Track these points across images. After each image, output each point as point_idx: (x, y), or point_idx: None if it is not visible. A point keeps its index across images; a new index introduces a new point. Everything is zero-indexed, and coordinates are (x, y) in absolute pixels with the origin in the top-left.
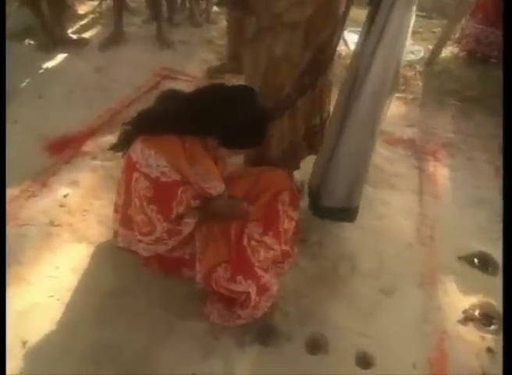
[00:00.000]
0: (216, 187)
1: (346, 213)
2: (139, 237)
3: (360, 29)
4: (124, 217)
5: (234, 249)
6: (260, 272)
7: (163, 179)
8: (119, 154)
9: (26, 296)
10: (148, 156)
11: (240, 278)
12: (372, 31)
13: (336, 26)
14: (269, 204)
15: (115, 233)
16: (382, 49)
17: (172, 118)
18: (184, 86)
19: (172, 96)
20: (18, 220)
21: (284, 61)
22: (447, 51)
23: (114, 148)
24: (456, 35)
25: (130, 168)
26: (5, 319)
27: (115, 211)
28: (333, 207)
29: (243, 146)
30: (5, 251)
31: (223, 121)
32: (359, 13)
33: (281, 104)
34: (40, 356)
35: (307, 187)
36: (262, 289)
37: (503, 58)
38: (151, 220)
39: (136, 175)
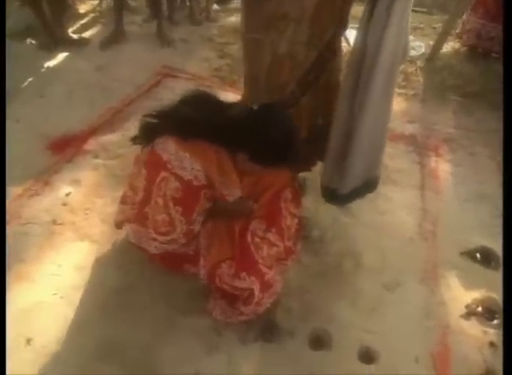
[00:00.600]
0: (234, 195)
1: (368, 185)
2: (154, 235)
3: None
4: (140, 213)
5: (238, 246)
6: (264, 269)
7: (195, 182)
8: (122, 152)
9: (30, 294)
10: (183, 158)
11: (243, 275)
12: (376, 14)
13: (341, 24)
14: (272, 201)
15: (118, 225)
16: (390, 31)
17: (205, 128)
18: (185, 84)
19: (202, 99)
20: (20, 219)
21: (288, 58)
22: (448, 47)
23: (135, 140)
24: (457, 30)
25: (157, 166)
26: (5, 318)
27: (123, 202)
28: (355, 188)
29: (273, 164)
30: (5, 250)
31: (256, 140)
32: (360, 10)
33: (285, 101)
34: (45, 354)
35: (320, 186)
36: (266, 286)
37: (503, 52)
38: (173, 221)
39: (164, 174)
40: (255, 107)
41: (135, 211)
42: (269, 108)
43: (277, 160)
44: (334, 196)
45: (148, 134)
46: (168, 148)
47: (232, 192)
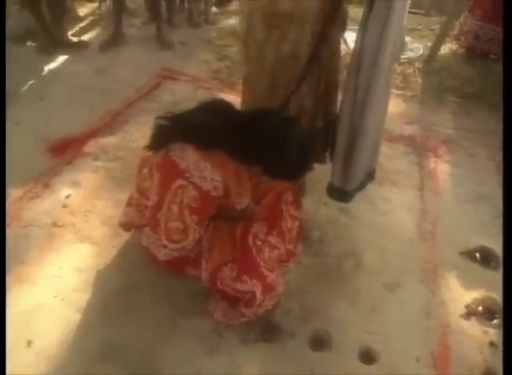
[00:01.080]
0: (244, 203)
1: (368, 177)
2: (165, 242)
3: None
4: (152, 219)
5: (239, 249)
6: (265, 271)
7: (213, 193)
8: (121, 154)
9: (30, 296)
10: (204, 168)
11: (245, 277)
12: (376, 13)
13: (340, 24)
14: (273, 203)
15: (124, 226)
16: (390, 29)
17: (224, 139)
18: (185, 86)
19: (222, 110)
20: (21, 221)
21: (291, 59)
22: (446, 48)
23: (152, 148)
24: (455, 32)
25: (172, 172)
26: (5, 320)
27: (128, 204)
28: (359, 183)
29: (285, 178)
30: (5, 252)
31: (271, 156)
32: (357, 12)
33: (285, 103)
34: (45, 356)
35: (328, 186)
36: (268, 288)
37: (503, 53)
38: (187, 229)
39: (181, 182)
40: (272, 119)
41: (146, 214)
42: (287, 123)
43: (290, 175)
44: (341, 194)
45: (162, 138)
46: (188, 156)
47: (243, 201)
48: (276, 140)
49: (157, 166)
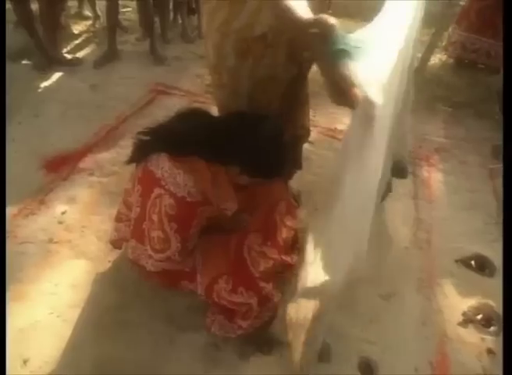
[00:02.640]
0: (232, 208)
1: None
2: (150, 252)
3: None
4: (137, 230)
5: (234, 260)
6: (261, 283)
7: (188, 199)
8: (117, 169)
9: (27, 314)
10: (177, 175)
11: (241, 289)
12: None
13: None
14: (267, 214)
15: (115, 243)
16: None
17: (196, 144)
18: (179, 101)
19: (196, 116)
20: (17, 238)
21: (269, 80)
22: (436, 59)
23: (131, 160)
24: (443, 43)
25: (150, 182)
26: (5, 338)
27: (118, 220)
28: None
29: (265, 176)
30: (5, 269)
31: (247, 152)
32: (349, 25)
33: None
34: (41, 373)
35: None
36: (264, 300)
37: (503, 60)
38: (168, 238)
39: (158, 191)
40: (246, 117)
41: (131, 228)
42: (258, 118)
43: (268, 171)
44: None
45: (142, 152)
46: (162, 164)
47: (229, 206)
48: (250, 137)
49: (138, 179)
